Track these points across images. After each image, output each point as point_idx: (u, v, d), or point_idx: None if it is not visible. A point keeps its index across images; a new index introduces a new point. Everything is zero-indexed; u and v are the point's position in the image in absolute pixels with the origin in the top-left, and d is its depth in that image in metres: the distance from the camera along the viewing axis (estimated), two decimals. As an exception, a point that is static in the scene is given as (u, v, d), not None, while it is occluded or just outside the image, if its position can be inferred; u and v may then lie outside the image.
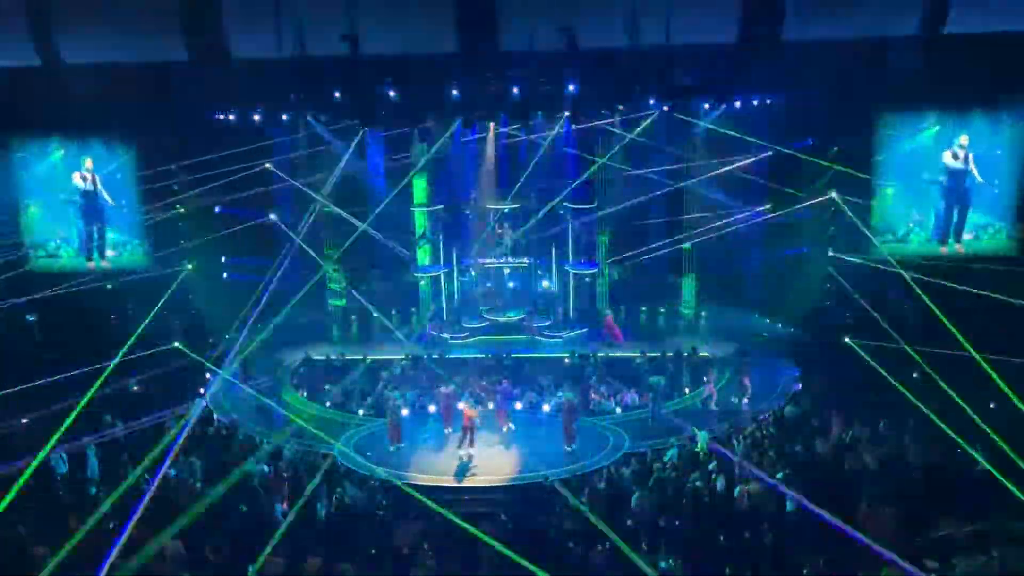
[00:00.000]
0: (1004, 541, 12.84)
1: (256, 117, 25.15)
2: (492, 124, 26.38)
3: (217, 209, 25.86)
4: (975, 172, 21.88)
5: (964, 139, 21.74)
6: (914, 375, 20.27)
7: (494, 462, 18.85)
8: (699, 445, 18.43)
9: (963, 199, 22.17)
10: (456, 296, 28.96)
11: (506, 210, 27.94)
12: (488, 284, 28.88)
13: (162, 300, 22.12)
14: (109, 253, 24.41)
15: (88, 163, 23.69)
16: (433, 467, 18.72)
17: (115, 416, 20.01)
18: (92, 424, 18.95)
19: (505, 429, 20.40)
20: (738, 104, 24.80)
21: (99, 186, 23.95)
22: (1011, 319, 18.21)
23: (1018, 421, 15.19)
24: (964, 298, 18.76)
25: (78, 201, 23.98)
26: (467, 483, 18.03)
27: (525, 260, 28.46)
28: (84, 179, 23.79)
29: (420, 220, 28.66)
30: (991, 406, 17.17)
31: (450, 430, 20.31)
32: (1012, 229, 22.02)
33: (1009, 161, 21.60)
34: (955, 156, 21.77)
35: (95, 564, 12.74)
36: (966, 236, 22.16)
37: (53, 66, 22.45)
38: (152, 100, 21.81)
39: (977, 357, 16.08)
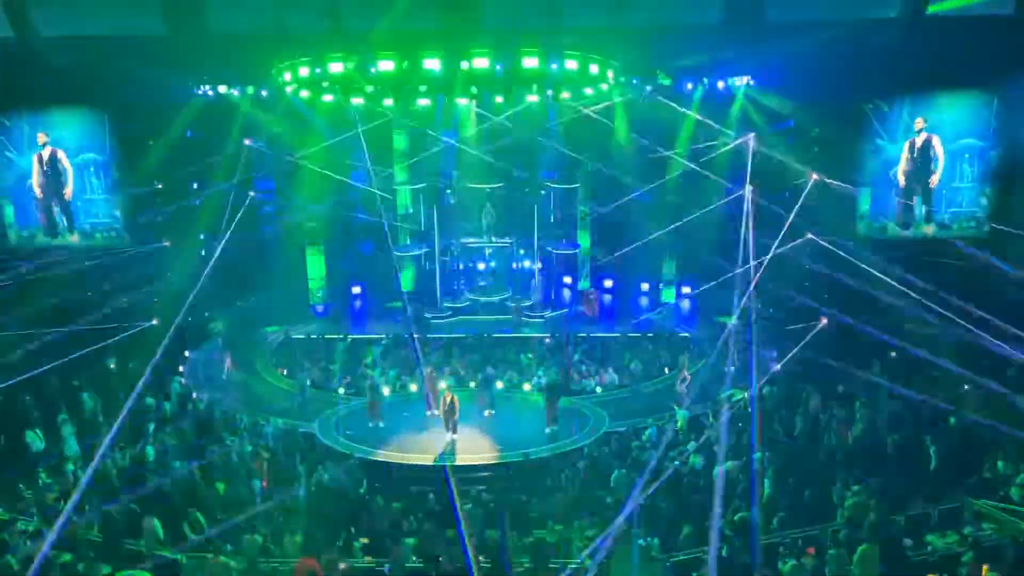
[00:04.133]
0: (975, 518, 13.07)
1: (235, 92, 24.83)
2: (473, 101, 26.13)
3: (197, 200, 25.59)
4: (938, 152, 21.99)
5: (920, 122, 21.78)
6: (891, 354, 20.55)
7: (476, 442, 18.87)
8: (678, 424, 18.58)
9: (924, 181, 22.32)
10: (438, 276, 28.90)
11: (487, 189, 27.83)
12: (470, 264, 28.82)
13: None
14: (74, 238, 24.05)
15: (42, 138, 23.11)
16: (414, 447, 18.70)
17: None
18: (69, 402, 18.81)
19: (487, 414, 20.32)
20: (721, 85, 24.76)
21: (60, 156, 23.39)
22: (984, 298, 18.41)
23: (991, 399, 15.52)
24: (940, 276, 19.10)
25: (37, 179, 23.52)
26: (448, 462, 18.02)
27: (507, 239, 28.40)
28: (41, 159, 23.12)
29: (403, 198, 28.52)
30: (965, 387, 17.49)
31: (432, 412, 20.17)
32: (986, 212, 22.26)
33: (984, 141, 21.82)
34: (913, 140, 21.85)
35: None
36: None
37: (28, 38, 22.06)
38: (129, 73, 21.45)
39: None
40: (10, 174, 24.00)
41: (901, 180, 22.39)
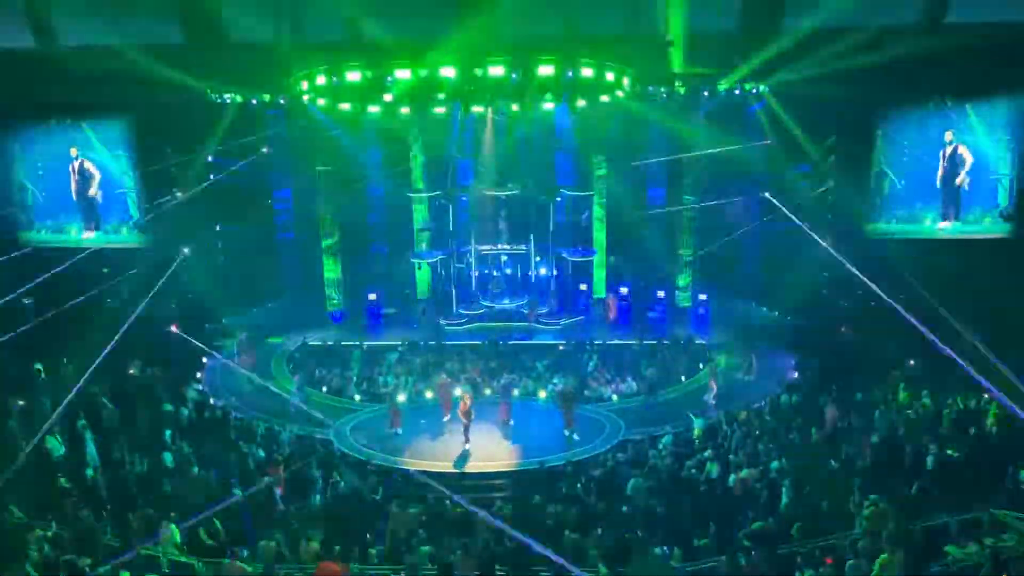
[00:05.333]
0: (996, 529, 12.90)
1: (253, 100, 25.05)
2: (490, 108, 26.20)
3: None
4: (966, 157, 22.10)
5: (949, 135, 21.95)
6: (910, 362, 20.37)
7: (491, 449, 18.87)
8: (694, 432, 18.49)
9: (954, 186, 22.45)
10: (453, 282, 28.97)
11: (503, 196, 27.89)
12: (485, 271, 28.88)
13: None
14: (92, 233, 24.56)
15: (74, 151, 23.87)
16: (430, 454, 18.73)
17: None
18: (89, 407, 18.94)
19: (510, 422, 20.31)
20: (738, 91, 24.72)
21: (87, 166, 24.08)
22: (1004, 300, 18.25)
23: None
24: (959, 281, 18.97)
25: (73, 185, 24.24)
26: (464, 470, 18.03)
27: (523, 246, 28.42)
28: (73, 168, 24.01)
29: (419, 205, 28.64)
30: (984, 396, 17.29)
31: (448, 418, 20.25)
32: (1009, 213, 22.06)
33: (1007, 149, 21.62)
34: (944, 151, 22.05)
35: (92, 547, 12.81)
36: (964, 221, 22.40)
37: (50, 47, 22.39)
38: (148, 82, 21.69)
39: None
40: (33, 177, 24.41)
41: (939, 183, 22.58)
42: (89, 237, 24.49)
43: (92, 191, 24.41)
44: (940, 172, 22.53)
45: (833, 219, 24.22)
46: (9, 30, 22.21)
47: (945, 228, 22.81)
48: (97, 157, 24.03)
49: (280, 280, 29.76)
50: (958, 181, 22.40)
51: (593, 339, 25.30)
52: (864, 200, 22.39)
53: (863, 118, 22.33)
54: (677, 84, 24.44)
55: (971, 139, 22.06)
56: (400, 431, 19.68)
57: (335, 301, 28.69)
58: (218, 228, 26.29)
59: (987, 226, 22.07)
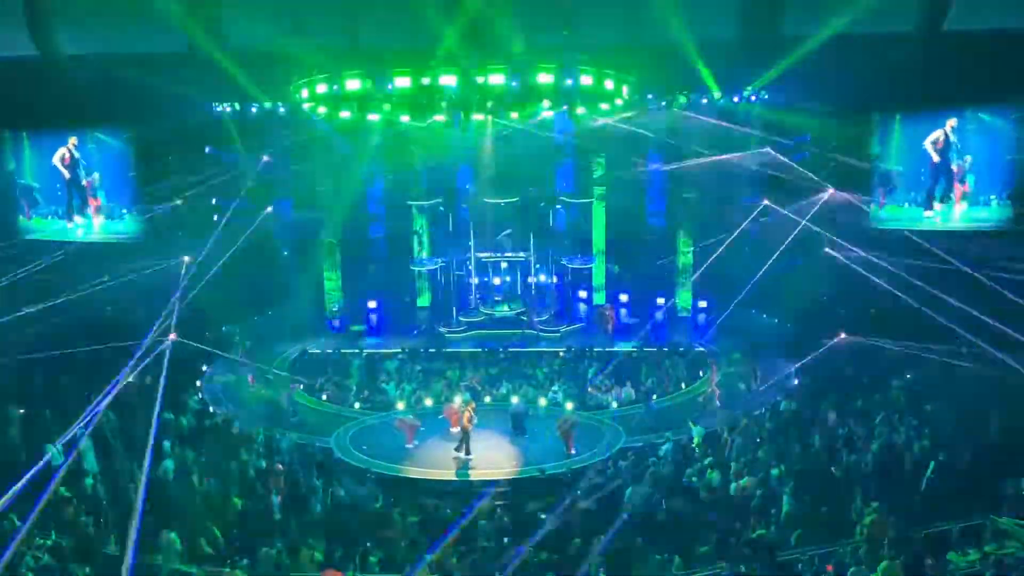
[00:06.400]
0: (997, 536, 12.90)
1: (253, 108, 25.07)
2: (490, 117, 26.20)
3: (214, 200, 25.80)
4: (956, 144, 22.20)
5: (952, 122, 21.85)
6: (907, 375, 20.37)
7: (491, 457, 18.82)
8: (694, 440, 18.45)
9: (948, 172, 22.42)
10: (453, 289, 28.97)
11: (503, 204, 27.88)
12: (486, 278, 28.88)
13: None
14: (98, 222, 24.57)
15: (72, 141, 23.91)
16: (431, 462, 18.68)
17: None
18: (88, 416, 18.88)
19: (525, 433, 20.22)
20: (736, 99, 24.76)
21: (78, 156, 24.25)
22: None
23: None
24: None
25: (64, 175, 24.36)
26: (464, 478, 18.00)
27: (522, 254, 28.43)
28: (64, 159, 24.08)
29: (418, 213, 28.67)
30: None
31: (456, 430, 20.05)
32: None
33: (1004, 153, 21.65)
34: (938, 139, 21.98)
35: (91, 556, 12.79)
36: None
37: (51, 56, 22.45)
38: (150, 90, 21.73)
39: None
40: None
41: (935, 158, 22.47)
42: (94, 223, 24.46)
43: (92, 177, 24.46)
44: (934, 159, 22.47)
45: (835, 222, 24.24)
46: (11, 39, 22.26)
47: (938, 213, 22.72)
48: (101, 144, 24.12)
49: (280, 288, 29.72)
50: (955, 169, 22.36)
51: (592, 347, 25.26)
52: (866, 202, 22.48)
53: (864, 120, 22.42)
54: (677, 93, 24.51)
55: (981, 123, 22.03)
56: (413, 445, 19.48)
57: (335, 309, 28.71)
58: (217, 233, 26.27)
59: (994, 208, 22.02)
